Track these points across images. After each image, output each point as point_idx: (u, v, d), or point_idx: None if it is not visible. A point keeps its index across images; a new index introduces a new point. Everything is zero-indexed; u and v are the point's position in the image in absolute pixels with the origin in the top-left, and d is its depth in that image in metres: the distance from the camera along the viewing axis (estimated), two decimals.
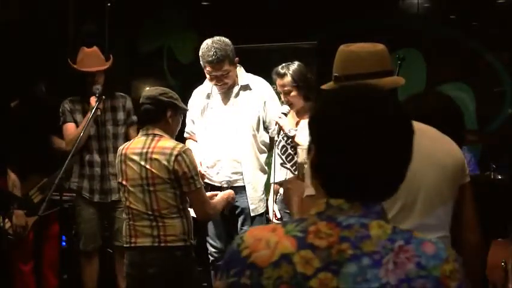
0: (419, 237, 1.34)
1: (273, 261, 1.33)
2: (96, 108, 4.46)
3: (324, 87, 2.42)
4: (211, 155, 4.29)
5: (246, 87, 4.32)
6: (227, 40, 4.23)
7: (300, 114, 4.27)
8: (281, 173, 4.26)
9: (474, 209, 2.33)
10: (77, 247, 4.77)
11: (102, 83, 4.63)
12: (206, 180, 4.19)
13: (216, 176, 4.28)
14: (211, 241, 4.37)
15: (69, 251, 5.09)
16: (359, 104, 1.36)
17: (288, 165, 4.26)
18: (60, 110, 4.69)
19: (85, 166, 4.69)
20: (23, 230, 4.76)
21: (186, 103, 4.00)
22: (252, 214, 4.28)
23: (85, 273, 4.75)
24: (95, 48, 4.77)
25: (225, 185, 4.21)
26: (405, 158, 1.38)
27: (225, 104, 4.32)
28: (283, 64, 4.30)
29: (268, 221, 4.33)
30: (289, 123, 4.21)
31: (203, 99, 4.37)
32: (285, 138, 4.26)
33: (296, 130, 4.16)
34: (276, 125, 4.23)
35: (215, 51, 4.12)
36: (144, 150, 3.45)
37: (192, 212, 3.58)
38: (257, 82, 4.37)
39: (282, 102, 4.33)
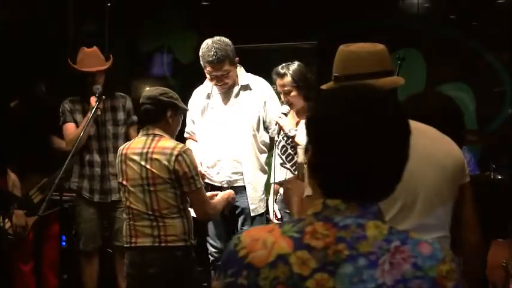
0: (415, 237, 1.34)
1: (270, 262, 1.33)
2: (96, 108, 4.46)
3: (323, 87, 2.42)
4: (212, 155, 4.29)
5: (246, 87, 4.32)
6: (227, 40, 4.23)
7: (300, 114, 4.27)
8: (281, 173, 4.26)
9: (474, 209, 2.33)
10: (77, 247, 4.77)
11: (102, 83, 4.63)
12: (206, 180, 4.19)
13: (216, 176, 4.28)
14: (211, 241, 4.37)
15: (69, 251, 5.09)
16: (357, 104, 1.36)
17: (288, 165, 4.26)
18: (60, 110, 4.69)
19: (85, 166, 4.69)
20: (23, 230, 4.76)
21: (186, 103, 4.00)
22: (252, 214, 4.28)
23: (85, 273, 4.75)
24: (95, 48, 4.77)
25: (226, 185, 4.21)
26: (402, 158, 1.38)
27: (225, 104, 4.32)
28: (283, 64, 4.30)
29: (269, 221, 4.33)
30: (289, 123, 4.21)
31: (203, 99, 4.37)
32: (285, 138, 4.26)
33: (296, 130, 4.16)
34: (276, 125, 4.23)
35: (215, 51, 4.12)
36: (145, 150, 3.45)
37: (192, 212, 3.58)
38: (257, 82, 4.37)
39: (282, 102, 4.33)
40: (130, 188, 3.47)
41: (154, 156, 3.42)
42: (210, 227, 4.35)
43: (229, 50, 4.18)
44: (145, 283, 3.48)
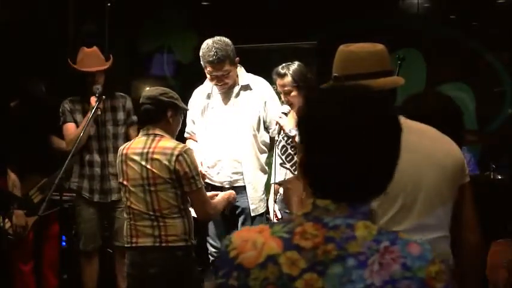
0: (405, 238, 1.33)
1: (260, 263, 1.33)
2: (96, 108, 4.46)
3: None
4: (212, 155, 4.29)
5: (246, 87, 4.32)
6: (228, 40, 4.22)
7: None
8: (281, 173, 4.26)
9: (474, 209, 2.33)
10: (77, 247, 4.76)
11: (102, 83, 4.63)
12: (207, 180, 4.19)
13: (216, 176, 4.28)
14: (211, 241, 4.37)
15: (69, 251, 5.09)
16: (350, 104, 1.36)
17: (288, 165, 4.26)
18: (60, 110, 4.69)
19: (85, 166, 4.68)
20: (23, 230, 4.76)
21: (186, 103, 4.00)
22: (252, 214, 4.28)
23: (85, 273, 4.75)
24: (95, 48, 4.77)
25: (227, 186, 4.21)
26: (394, 157, 1.38)
27: (226, 104, 4.32)
28: (284, 64, 4.30)
29: (269, 221, 4.33)
30: (289, 123, 4.21)
31: (203, 99, 4.37)
32: (285, 138, 4.26)
33: (296, 130, 4.16)
34: (276, 125, 4.23)
35: (216, 51, 4.12)
36: (145, 151, 3.46)
37: (192, 212, 3.58)
38: (257, 82, 4.36)
39: (282, 102, 4.33)
40: (131, 188, 3.47)
41: (155, 156, 3.42)
42: (210, 227, 4.36)
43: (230, 50, 4.18)
44: (146, 283, 3.48)
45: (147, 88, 4.28)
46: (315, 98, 1.41)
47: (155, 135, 3.50)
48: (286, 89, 4.25)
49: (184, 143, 4.03)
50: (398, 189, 2.15)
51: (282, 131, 4.20)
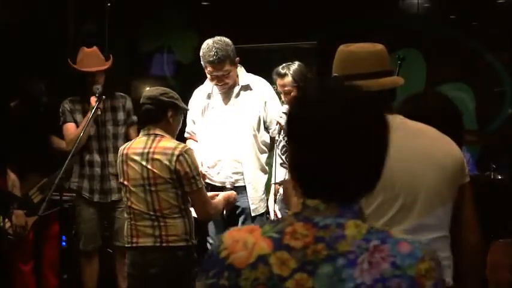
0: (395, 236, 1.33)
1: (250, 263, 1.33)
2: (96, 108, 4.46)
3: None
4: (212, 155, 4.29)
5: (246, 87, 4.32)
6: (228, 40, 4.22)
7: None
8: (281, 173, 4.26)
9: (474, 208, 2.33)
10: (77, 247, 4.76)
11: (102, 83, 4.63)
12: (207, 180, 4.19)
13: (216, 176, 4.28)
14: (211, 241, 4.37)
15: (69, 251, 5.09)
16: (340, 104, 1.36)
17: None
18: (60, 110, 4.69)
19: (85, 166, 4.68)
20: (23, 230, 4.76)
21: (186, 103, 4.00)
22: (252, 214, 4.28)
23: (85, 273, 4.75)
24: (94, 48, 4.77)
25: (229, 186, 4.21)
26: (382, 156, 1.38)
27: (226, 104, 4.32)
28: (284, 64, 4.30)
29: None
30: None
31: (204, 99, 4.37)
32: (286, 138, 4.25)
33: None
34: (276, 124, 4.23)
35: (216, 51, 4.12)
36: (146, 151, 3.46)
37: (192, 212, 3.59)
38: (258, 82, 4.37)
39: (283, 102, 4.34)
40: (131, 188, 3.47)
41: (156, 156, 3.42)
42: (211, 227, 4.36)
43: (230, 50, 4.18)
44: (147, 283, 3.48)
45: (147, 88, 4.29)
46: (305, 97, 1.41)
47: (156, 135, 3.50)
48: (286, 89, 4.26)
49: (185, 143, 4.03)
50: (399, 189, 2.15)
51: (282, 131, 4.20)
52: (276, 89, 4.40)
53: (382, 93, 2.27)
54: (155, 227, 3.43)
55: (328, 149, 1.33)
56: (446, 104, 2.75)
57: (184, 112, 3.80)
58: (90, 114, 4.46)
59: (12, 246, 4.81)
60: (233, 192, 3.99)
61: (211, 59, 4.13)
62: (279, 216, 4.35)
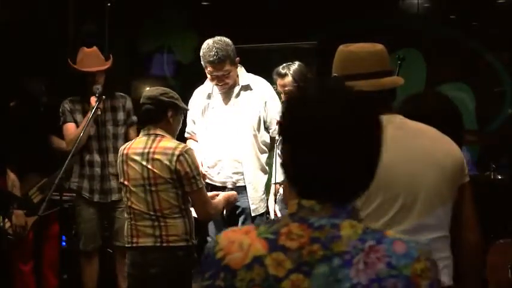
0: (391, 236, 1.33)
1: (246, 264, 1.33)
2: (96, 108, 4.46)
3: None
4: (212, 155, 4.29)
5: (246, 87, 4.32)
6: (228, 40, 4.22)
7: None
8: (281, 173, 4.26)
9: (473, 208, 2.33)
10: (77, 247, 4.76)
11: (102, 83, 4.63)
12: (207, 180, 4.19)
13: (216, 176, 4.28)
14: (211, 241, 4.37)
15: (69, 251, 5.09)
16: (340, 104, 1.36)
17: None
18: (60, 110, 4.69)
19: (85, 166, 4.68)
20: (23, 230, 4.76)
21: (186, 103, 4.00)
22: (252, 214, 4.28)
23: (85, 273, 4.75)
24: (94, 48, 4.77)
25: (230, 186, 4.21)
26: (377, 155, 1.38)
27: (226, 104, 4.32)
28: (284, 64, 4.31)
29: None
30: None
31: (204, 99, 4.37)
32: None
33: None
34: (276, 124, 4.23)
35: (216, 51, 4.12)
36: (146, 151, 3.46)
37: (193, 212, 3.59)
38: (258, 82, 4.36)
39: (283, 102, 4.34)
40: (131, 188, 3.47)
41: (156, 156, 3.42)
42: (211, 227, 4.35)
43: (230, 50, 4.18)
44: (147, 283, 3.48)
45: (147, 88, 4.28)
46: (305, 97, 1.40)
47: (156, 135, 3.50)
48: (286, 89, 4.26)
49: (185, 143, 4.03)
50: (399, 189, 2.16)
51: None
52: (276, 89, 4.40)
53: (382, 93, 2.27)
54: (155, 227, 3.43)
55: (328, 149, 1.33)
56: (446, 104, 2.75)
57: (185, 112, 3.81)
58: (90, 114, 4.46)
59: (12, 246, 4.81)
60: (234, 193, 3.99)
61: (211, 59, 4.13)
62: (279, 216, 4.35)
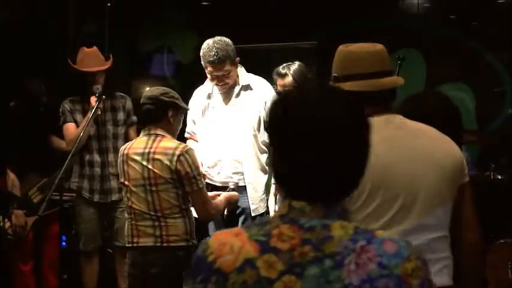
0: (381, 236, 1.33)
1: (237, 267, 1.33)
2: (96, 108, 4.46)
3: None
4: (212, 155, 4.29)
5: (247, 87, 4.32)
6: (228, 40, 4.22)
7: None
8: None
9: (473, 208, 2.33)
10: (77, 247, 4.77)
11: (102, 83, 4.63)
12: (207, 180, 4.19)
13: (216, 176, 4.28)
14: None
15: (69, 251, 5.10)
16: (340, 104, 1.36)
17: None
18: (60, 110, 4.69)
19: (85, 166, 4.69)
20: (23, 230, 4.76)
21: (186, 103, 4.00)
22: (252, 214, 4.28)
23: (85, 273, 4.75)
24: (94, 48, 4.77)
25: (232, 186, 4.20)
26: (366, 154, 1.38)
27: (226, 104, 4.32)
28: (284, 64, 4.31)
29: None
30: None
31: (204, 99, 4.37)
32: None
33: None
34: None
35: (216, 51, 4.12)
36: (146, 151, 3.46)
37: (193, 212, 3.59)
38: (258, 82, 4.36)
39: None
40: (132, 188, 3.48)
41: (156, 156, 3.42)
42: (211, 227, 4.35)
43: (230, 50, 4.18)
44: (147, 283, 3.48)
45: (148, 88, 4.29)
46: (305, 97, 1.40)
47: (156, 135, 3.50)
48: (287, 89, 4.25)
49: (185, 143, 4.03)
50: (398, 189, 2.15)
51: None
52: (277, 89, 4.40)
53: (382, 93, 2.27)
54: (156, 227, 3.44)
55: (328, 149, 1.33)
56: (446, 104, 2.75)
57: (185, 112, 3.81)
58: (90, 114, 4.46)
59: (12, 246, 4.81)
60: (235, 193, 3.99)
61: (211, 59, 4.13)
62: None
